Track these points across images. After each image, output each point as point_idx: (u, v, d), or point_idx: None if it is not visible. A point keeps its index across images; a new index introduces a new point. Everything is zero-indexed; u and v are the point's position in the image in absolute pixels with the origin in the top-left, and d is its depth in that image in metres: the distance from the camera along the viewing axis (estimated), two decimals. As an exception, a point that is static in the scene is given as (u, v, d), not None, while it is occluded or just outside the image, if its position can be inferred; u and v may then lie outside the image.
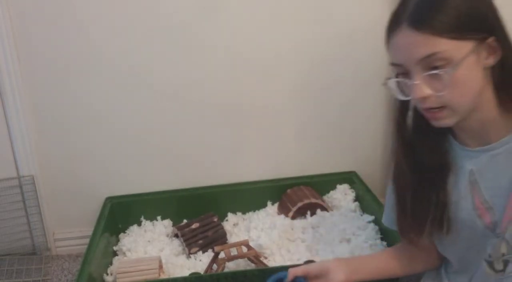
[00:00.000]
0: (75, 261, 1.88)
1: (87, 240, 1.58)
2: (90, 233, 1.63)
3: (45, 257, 1.88)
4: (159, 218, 1.87)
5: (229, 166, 1.93)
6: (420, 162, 0.94)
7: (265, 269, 1.42)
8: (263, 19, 1.77)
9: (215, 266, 1.51)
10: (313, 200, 1.78)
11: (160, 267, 1.53)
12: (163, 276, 1.53)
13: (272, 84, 1.84)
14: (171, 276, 1.54)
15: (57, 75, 1.76)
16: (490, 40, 0.79)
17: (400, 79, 0.85)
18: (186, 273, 1.54)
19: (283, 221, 1.76)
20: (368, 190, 1.80)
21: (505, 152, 0.84)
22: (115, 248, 1.74)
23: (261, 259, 1.54)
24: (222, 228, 1.75)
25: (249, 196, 1.91)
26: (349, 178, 1.93)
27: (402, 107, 0.93)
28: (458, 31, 0.77)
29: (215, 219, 1.78)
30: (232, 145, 1.90)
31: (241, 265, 1.54)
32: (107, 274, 1.57)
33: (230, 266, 1.53)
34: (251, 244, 1.58)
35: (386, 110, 1.90)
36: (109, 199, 1.87)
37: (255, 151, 1.92)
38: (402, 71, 0.84)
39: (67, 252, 1.94)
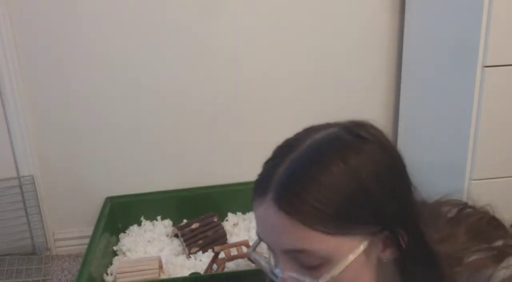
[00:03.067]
0: (75, 261, 1.88)
1: (87, 240, 1.58)
2: (90, 233, 1.62)
3: (45, 257, 1.88)
4: (159, 218, 1.87)
5: (229, 166, 1.93)
6: None
7: (265, 269, 1.42)
8: (264, 19, 1.77)
9: (215, 266, 1.51)
10: (313, 200, 1.78)
11: (160, 267, 1.53)
12: (163, 276, 1.52)
13: (272, 84, 1.84)
14: (171, 276, 1.54)
15: (57, 76, 1.76)
16: (385, 233, 0.57)
17: (266, 259, 0.62)
18: (186, 273, 1.54)
19: (283, 221, 1.75)
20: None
21: None
22: (115, 248, 1.73)
23: (261, 259, 1.53)
24: (222, 228, 1.75)
25: (249, 196, 1.89)
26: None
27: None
28: (337, 225, 0.54)
29: (215, 219, 1.78)
30: (232, 145, 1.90)
31: (241, 265, 1.53)
32: (107, 274, 1.57)
33: (230, 266, 1.53)
34: (251, 244, 1.58)
35: (389, 111, 1.90)
36: (109, 199, 1.87)
37: (255, 150, 1.92)
38: (269, 248, 0.61)
39: (67, 252, 1.94)
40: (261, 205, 0.58)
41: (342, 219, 0.54)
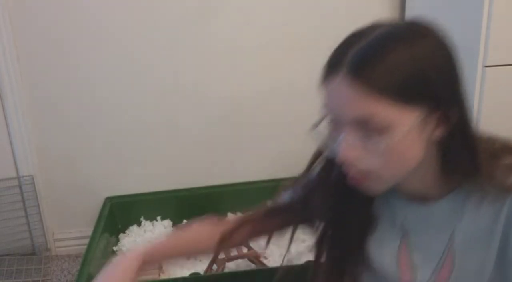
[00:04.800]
0: (74, 261, 1.87)
1: (86, 240, 1.57)
2: (89, 233, 1.62)
3: (45, 257, 1.88)
4: (159, 218, 1.87)
5: (229, 166, 1.93)
6: (341, 217, 0.81)
7: (265, 269, 1.42)
8: (264, 18, 1.77)
9: (215, 266, 1.51)
10: (313, 200, 1.78)
11: (160, 267, 1.53)
12: (163, 276, 1.52)
13: (272, 84, 1.84)
14: (171, 276, 1.54)
15: (56, 75, 1.75)
16: (440, 112, 0.66)
17: (330, 129, 0.71)
18: (186, 273, 1.54)
19: (283, 221, 1.75)
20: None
21: (440, 215, 0.75)
22: (115, 248, 1.73)
23: (261, 259, 1.53)
24: (222, 228, 1.75)
25: (249, 196, 1.90)
26: (349, 178, 1.92)
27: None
28: (404, 95, 0.64)
29: (215, 219, 1.77)
30: (232, 145, 1.90)
31: (241, 265, 1.53)
32: (107, 274, 1.57)
33: (230, 266, 1.53)
34: (251, 244, 1.58)
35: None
36: (109, 199, 1.87)
37: (255, 150, 1.92)
38: (333, 121, 0.70)
39: (67, 252, 1.93)
40: (334, 79, 0.67)
41: (406, 92, 0.64)
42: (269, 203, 0.99)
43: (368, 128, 0.65)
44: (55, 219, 1.92)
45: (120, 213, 1.85)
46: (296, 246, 1.60)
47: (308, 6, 1.76)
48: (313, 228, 0.90)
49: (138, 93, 1.80)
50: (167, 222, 1.85)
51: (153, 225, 1.84)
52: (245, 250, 1.52)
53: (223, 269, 1.47)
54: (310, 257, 1.53)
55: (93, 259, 1.48)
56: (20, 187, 1.82)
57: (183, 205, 1.88)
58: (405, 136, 0.65)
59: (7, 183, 1.81)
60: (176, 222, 1.85)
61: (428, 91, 0.65)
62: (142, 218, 1.87)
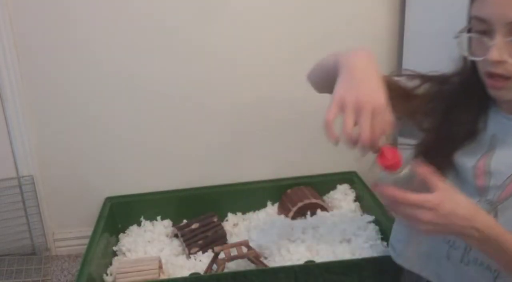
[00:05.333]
0: (74, 261, 1.88)
1: (86, 240, 1.57)
2: (89, 233, 1.62)
3: (45, 257, 1.88)
4: (159, 218, 1.87)
5: (229, 166, 1.93)
6: (450, 124, 0.93)
7: (265, 269, 1.42)
8: (264, 20, 1.77)
9: (215, 267, 1.51)
10: (313, 200, 1.78)
11: (160, 267, 1.53)
12: (163, 277, 1.52)
13: (272, 84, 1.84)
14: (171, 277, 1.54)
15: (56, 75, 1.75)
16: None
17: (477, 35, 0.81)
18: (186, 273, 1.54)
19: (283, 221, 1.75)
20: (368, 190, 1.79)
21: None
22: (114, 248, 1.73)
23: (261, 259, 1.53)
24: (222, 228, 1.75)
25: (249, 196, 1.91)
26: (350, 178, 1.92)
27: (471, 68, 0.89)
28: None
29: (215, 219, 1.77)
30: (232, 145, 1.90)
31: (241, 265, 1.53)
32: (107, 275, 1.57)
33: (230, 267, 1.53)
34: (251, 244, 1.57)
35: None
36: (109, 199, 1.87)
37: (255, 151, 1.92)
38: (482, 28, 0.80)
39: (67, 252, 1.94)
40: None
41: None
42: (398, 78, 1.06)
43: None
44: (55, 219, 1.93)
45: (120, 213, 1.85)
46: (296, 246, 1.60)
47: (307, 8, 1.76)
48: (416, 126, 1.00)
49: (137, 94, 1.80)
50: (167, 222, 1.85)
51: (153, 225, 1.84)
52: (245, 250, 1.52)
53: (223, 269, 1.47)
54: (310, 257, 1.53)
55: (93, 259, 1.48)
56: (20, 187, 1.82)
57: (183, 205, 1.88)
58: None
59: (7, 183, 1.81)
60: (176, 222, 1.85)
61: None
62: (142, 218, 1.87)
